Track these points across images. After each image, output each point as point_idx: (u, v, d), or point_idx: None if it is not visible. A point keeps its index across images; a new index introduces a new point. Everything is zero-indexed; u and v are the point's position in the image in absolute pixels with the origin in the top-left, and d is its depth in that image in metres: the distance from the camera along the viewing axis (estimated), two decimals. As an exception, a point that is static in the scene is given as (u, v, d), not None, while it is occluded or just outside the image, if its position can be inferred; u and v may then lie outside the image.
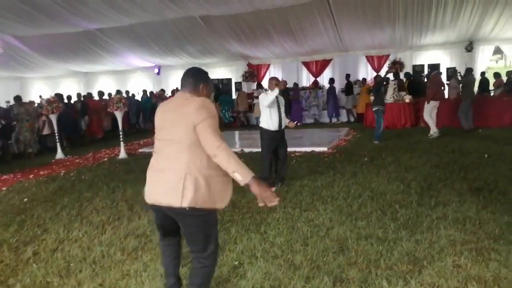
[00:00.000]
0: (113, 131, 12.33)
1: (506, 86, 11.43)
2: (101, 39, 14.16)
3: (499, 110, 10.23)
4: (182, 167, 2.18)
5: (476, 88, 11.40)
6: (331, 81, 14.17)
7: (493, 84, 12.23)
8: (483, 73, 12.89)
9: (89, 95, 13.30)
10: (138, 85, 17.18)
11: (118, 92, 12.34)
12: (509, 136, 8.41)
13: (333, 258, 3.22)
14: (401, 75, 13.51)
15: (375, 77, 10.73)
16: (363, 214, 4.20)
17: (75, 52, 15.17)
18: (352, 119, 13.95)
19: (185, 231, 2.34)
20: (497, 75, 12.39)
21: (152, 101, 14.32)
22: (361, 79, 14.77)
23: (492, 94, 12.15)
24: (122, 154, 8.84)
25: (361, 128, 11.47)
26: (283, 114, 5.49)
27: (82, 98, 13.04)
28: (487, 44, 13.65)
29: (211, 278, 2.47)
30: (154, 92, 15.74)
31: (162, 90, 15.59)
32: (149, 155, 9.05)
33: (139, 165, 7.56)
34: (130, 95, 15.08)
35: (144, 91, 15.44)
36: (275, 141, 5.47)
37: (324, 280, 2.85)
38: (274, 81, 5.41)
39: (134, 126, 14.56)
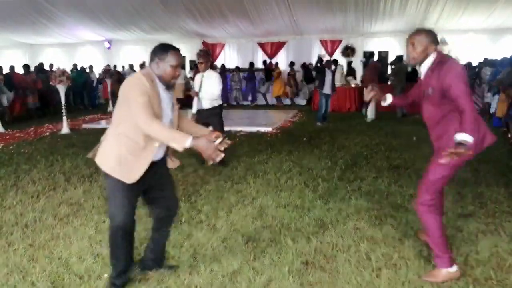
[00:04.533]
0: (41, 109, 11.59)
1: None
2: (47, 9, 13.55)
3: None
4: (107, 135, 2.41)
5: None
6: (251, 65, 14.72)
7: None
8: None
9: (12, 68, 11.68)
10: (88, 59, 16.64)
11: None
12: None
13: (251, 222, 3.56)
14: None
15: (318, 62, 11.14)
16: (288, 187, 4.58)
17: (19, 22, 14.41)
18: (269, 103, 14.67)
19: None
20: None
21: (84, 76, 13.99)
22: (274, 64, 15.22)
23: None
24: (65, 129, 8.74)
25: (309, 111, 11.94)
26: (204, 94, 5.40)
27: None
28: (434, 34, 14.40)
29: (111, 243, 2.46)
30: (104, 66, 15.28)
31: (108, 66, 15.20)
32: (93, 131, 9.03)
33: (81, 140, 7.57)
34: (79, 69, 14.57)
35: (90, 67, 14.90)
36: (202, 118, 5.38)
37: (238, 240, 3.19)
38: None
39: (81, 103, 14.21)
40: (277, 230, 3.39)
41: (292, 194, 4.30)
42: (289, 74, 14.27)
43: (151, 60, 2.33)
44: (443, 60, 2.46)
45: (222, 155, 2.18)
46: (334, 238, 3.20)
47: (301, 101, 14.58)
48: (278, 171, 5.22)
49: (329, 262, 2.81)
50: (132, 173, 2.32)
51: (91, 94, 14.55)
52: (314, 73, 13.98)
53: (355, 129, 8.44)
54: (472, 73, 11.75)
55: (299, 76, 14.67)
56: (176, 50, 2.32)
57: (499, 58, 10.95)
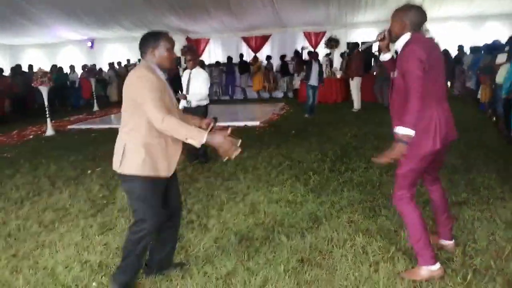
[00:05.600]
0: (14, 112, 11.22)
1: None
2: (25, 9, 13.18)
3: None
4: (123, 136, 2.27)
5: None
6: (229, 59, 14.69)
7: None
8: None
9: None
10: (70, 59, 16.30)
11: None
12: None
13: (244, 220, 3.48)
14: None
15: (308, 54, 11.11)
16: (279, 181, 4.51)
17: (-4, 23, 14.02)
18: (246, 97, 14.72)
19: None
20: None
21: (63, 76, 13.72)
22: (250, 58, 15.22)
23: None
24: (49, 131, 8.53)
25: (296, 103, 11.87)
26: (191, 93, 5.29)
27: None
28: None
29: (128, 252, 2.35)
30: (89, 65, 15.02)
31: (93, 65, 14.94)
32: (79, 131, 8.84)
33: (66, 142, 7.38)
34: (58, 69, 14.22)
35: (71, 67, 14.60)
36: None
37: (231, 239, 3.10)
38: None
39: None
40: (270, 227, 3.31)
41: (283, 189, 4.23)
42: (266, 68, 14.24)
43: (144, 52, 2.25)
44: (410, 41, 2.29)
45: (239, 150, 2.12)
46: (329, 232, 3.13)
47: (279, 94, 14.55)
48: (269, 166, 5.14)
49: (325, 259, 2.75)
50: (167, 165, 2.28)
51: (74, 95, 14.21)
52: (291, 65, 14.04)
53: (343, 120, 8.41)
54: (451, 60, 11.87)
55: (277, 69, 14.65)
56: (166, 32, 2.29)
57: (480, 45, 11.07)
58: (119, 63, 15.99)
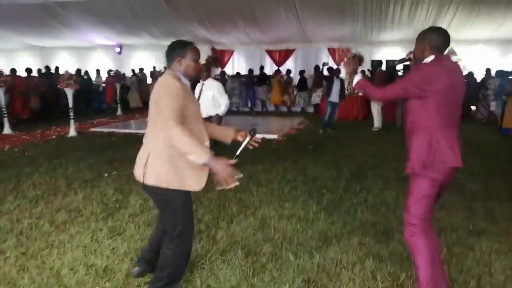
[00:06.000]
0: (44, 111, 11.44)
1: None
2: (58, 13, 13.67)
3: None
4: (148, 144, 2.28)
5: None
6: (250, 71, 14.73)
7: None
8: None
9: (13, 71, 11.22)
10: (98, 64, 16.76)
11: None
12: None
13: (253, 234, 3.43)
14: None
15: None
16: (292, 197, 4.45)
17: (32, 25, 14.57)
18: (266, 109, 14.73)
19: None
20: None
21: (87, 80, 14.01)
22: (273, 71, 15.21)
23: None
24: (72, 132, 8.74)
25: (316, 118, 11.79)
26: (202, 104, 5.28)
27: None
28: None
29: (173, 266, 2.30)
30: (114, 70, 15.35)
31: (118, 70, 15.26)
32: (100, 134, 9.00)
33: (87, 144, 7.51)
34: (82, 73, 14.54)
35: (97, 71, 14.94)
36: None
37: (238, 253, 3.06)
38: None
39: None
40: (279, 243, 3.25)
41: (295, 205, 4.17)
42: (285, 82, 14.19)
43: (171, 60, 2.28)
44: (429, 63, 2.30)
45: (238, 183, 2.09)
46: (338, 254, 3.06)
47: (297, 108, 14.52)
48: (283, 180, 5.09)
49: (332, 281, 2.67)
50: (196, 178, 2.23)
51: (97, 99, 14.46)
52: (310, 80, 13.99)
53: (362, 138, 8.28)
54: (477, 83, 11.61)
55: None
56: (192, 43, 2.32)
57: (508, 69, 10.82)
58: (141, 70, 16.28)
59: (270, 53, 16.13)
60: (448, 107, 2.25)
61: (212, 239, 3.34)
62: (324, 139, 8.23)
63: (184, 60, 2.26)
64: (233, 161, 2.11)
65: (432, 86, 2.20)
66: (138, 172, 2.27)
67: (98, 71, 14.90)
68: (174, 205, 2.23)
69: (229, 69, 16.07)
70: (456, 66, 2.36)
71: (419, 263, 2.30)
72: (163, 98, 2.12)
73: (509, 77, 9.27)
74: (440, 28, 2.36)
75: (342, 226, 3.61)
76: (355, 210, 4.01)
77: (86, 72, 14.61)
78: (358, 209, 4.05)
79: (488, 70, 11.96)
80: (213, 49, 16.35)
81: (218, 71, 15.68)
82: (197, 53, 2.30)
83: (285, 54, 16.08)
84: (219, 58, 16.31)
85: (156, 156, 2.19)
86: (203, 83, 5.39)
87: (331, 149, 7.12)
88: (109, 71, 14.81)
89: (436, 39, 2.29)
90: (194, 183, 2.23)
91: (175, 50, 2.27)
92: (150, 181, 2.20)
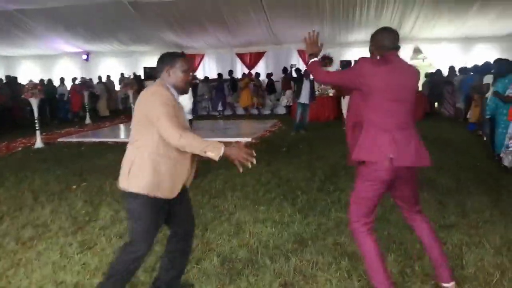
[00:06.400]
0: (2, 124, 10.84)
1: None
2: (20, 20, 13.20)
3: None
4: (131, 153, 2.21)
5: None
6: (219, 76, 14.72)
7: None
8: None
9: None
10: (64, 72, 16.26)
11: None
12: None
13: (228, 240, 3.39)
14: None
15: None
16: (267, 200, 4.44)
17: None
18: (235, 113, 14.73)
19: None
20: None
21: (51, 89, 13.44)
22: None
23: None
24: (38, 144, 8.43)
25: (289, 120, 11.85)
26: None
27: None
28: (408, 43, 14.65)
29: (116, 271, 2.22)
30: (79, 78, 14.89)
31: (85, 78, 14.85)
32: (69, 144, 8.70)
33: (54, 154, 7.27)
34: (45, 82, 13.91)
35: (61, 79, 14.20)
36: None
37: (213, 261, 3.01)
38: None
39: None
40: (255, 248, 3.22)
41: (270, 208, 4.16)
42: (254, 85, 14.15)
43: (160, 70, 2.25)
44: (369, 59, 2.38)
45: (254, 160, 2.10)
46: (314, 255, 3.05)
47: (266, 111, 14.46)
48: (257, 184, 5.07)
49: (308, 283, 2.66)
50: (171, 187, 2.20)
51: (62, 108, 13.78)
52: (279, 83, 14.12)
53: (334, 138, 8.36)
54: (443, 80, 12.01)
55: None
56: (183, 54, 2.33)
57: (469, 66, 11.25)
58: (108, 77, 15.91)
59: (241, 56, 16.13)
60: (389, 104, 2.24)
61: (187, 248, 3.27)
62: (297, 140, 8.28)
63: (172, 71, 2.23)
64: (243, 141, 2.13)
65: (368, 81, 2.25)
66: (122, 180, 2.22)
67: (62, 79, 14.20)
68: (137, 211, 2.19)
69: (200, 73, 15.95)
70: (407, 66, 2.38)
71: (363, 255, 2.38)
72: (155, 109, 2.09)
73: (471, 73, 9.60)
74: (386, 28, 2.40)
75: (317, 227, 3.62)
76: (330, 210, 4.04)
77: (50, 81, 14.01)
78: (332, 208, 4.08)
79: (451, 68, 12.38)
80: (183, 53, 16.17)
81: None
82: (187, 63, 2.27)
83: (256, 57, 16.12)
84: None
85: (140, 163, 2.16)
86: None
87: (304, 150, 7.17)
88: (74, 79, 14.33)
89: (380, 39, 2.34)
90: (169, 190, 2.21)
91: (164, 60, 2.25)
92: (133, 188, 2.17)
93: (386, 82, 2.24)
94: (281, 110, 14.27)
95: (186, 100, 5.17)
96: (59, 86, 14.00)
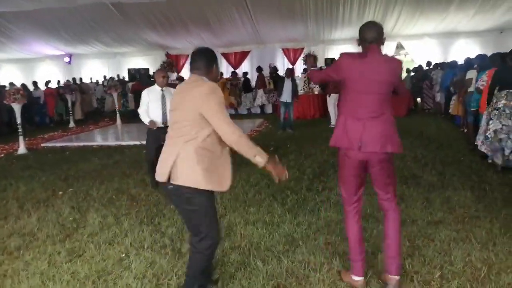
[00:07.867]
0: None
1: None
2: (1, 25, 12.93)
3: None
4: (175, 146, 2.22)
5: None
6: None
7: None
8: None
9: None
10: (47, 75, 15.98)
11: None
12: (398, 125, 9.29)
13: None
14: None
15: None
16: (256, 201, 4.44)
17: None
18: None
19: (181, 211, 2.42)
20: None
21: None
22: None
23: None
24: (21, 150, 8.25)
25: (275, 119, 11.87)
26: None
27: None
28: (390, 40, 14.82)
29: (200, 268, 2.35)
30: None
31: (68, 81, 14.53)
32: (53, 149, 8.54)
33: (38, 160, 7.14)
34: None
35: (34, 83, 13.50)
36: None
37: (205, 265, 2.99)
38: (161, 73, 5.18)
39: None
40: (246, 250, 3.22)
41: (260, 209, 4.16)
42: (231, 84, 13.78)
43: (210, 66, 2.31)
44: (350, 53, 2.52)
45: (287, 175, 2.27)
46: (306, 256, 3.07)
47: (243, 110, 14.15)
48: (246, 184, 5.06)
49: (301, 284, 2.68)
50: (224, 179, 2.28)
51: (38, 112, 13.13)
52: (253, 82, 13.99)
53: (321, 136, 8.41)
54: (422, 75, 12.20)
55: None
56: (167, 55, 2.40)
57: (448, 61, 11.46)
58: (80, 79, 15.54)
59: (226, 55, 16.10)
60: (361, 95, 2.39)
61: (178, 253, 3.25)
62: (285, 139, 8.30)
63: (216, 68, 2.35)
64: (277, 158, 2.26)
65: (343, 73, 2.42)
66: (163, 171, 2.24)
67: (35, 83, 13.37)
68: (202, 207, 2.26)
69: (186, 74, 15.85)
70: (385, 59, 2.46)
71: (347, 235, 2.64)
72: (212, 106, 2.14)
73: (451, 68, 9.77)
74: (370, 21, 2.50)
75: (307, 227, 3.64)
76: (319, 210, 4.06)
77: (24, 85, 13.13)
78: (322, 207, 4.11)
79: (429, 63, 12.61)
80: (167, 54, 16.10)
81: (174, 76, 15.42)
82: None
83: (241, 56, 16.12)
84: (174, 63, 16.06)
85: (186, 157, 2.18)
86: (162, 89, 5.05)
87: (292, 149, 7.19)
88: (47, 82, 13.66)
89: (361, 33, 2.44)
90: (226, 182, 2.30)
91: (213, 58, 2.34)
92: (186, 182, 2.18)
93: (359, 74, 2.37)
94: (257, 110, 14.02)
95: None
96: (33, 90, 13.20)
